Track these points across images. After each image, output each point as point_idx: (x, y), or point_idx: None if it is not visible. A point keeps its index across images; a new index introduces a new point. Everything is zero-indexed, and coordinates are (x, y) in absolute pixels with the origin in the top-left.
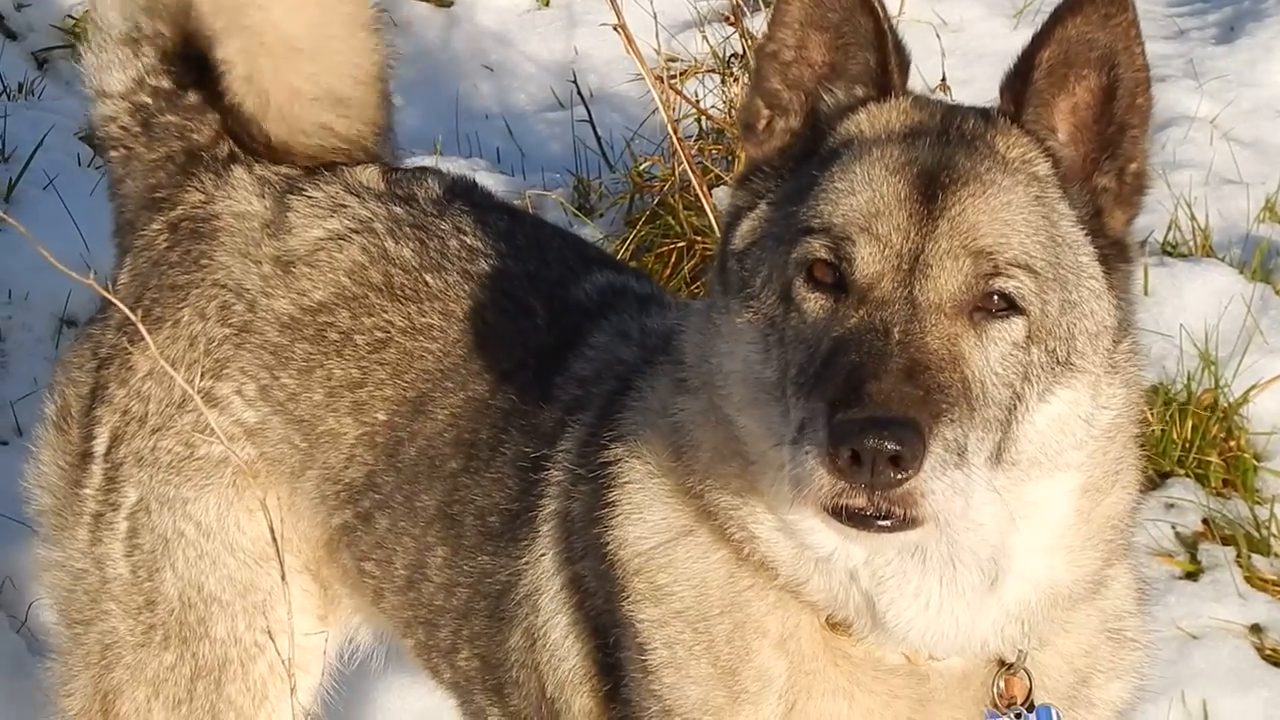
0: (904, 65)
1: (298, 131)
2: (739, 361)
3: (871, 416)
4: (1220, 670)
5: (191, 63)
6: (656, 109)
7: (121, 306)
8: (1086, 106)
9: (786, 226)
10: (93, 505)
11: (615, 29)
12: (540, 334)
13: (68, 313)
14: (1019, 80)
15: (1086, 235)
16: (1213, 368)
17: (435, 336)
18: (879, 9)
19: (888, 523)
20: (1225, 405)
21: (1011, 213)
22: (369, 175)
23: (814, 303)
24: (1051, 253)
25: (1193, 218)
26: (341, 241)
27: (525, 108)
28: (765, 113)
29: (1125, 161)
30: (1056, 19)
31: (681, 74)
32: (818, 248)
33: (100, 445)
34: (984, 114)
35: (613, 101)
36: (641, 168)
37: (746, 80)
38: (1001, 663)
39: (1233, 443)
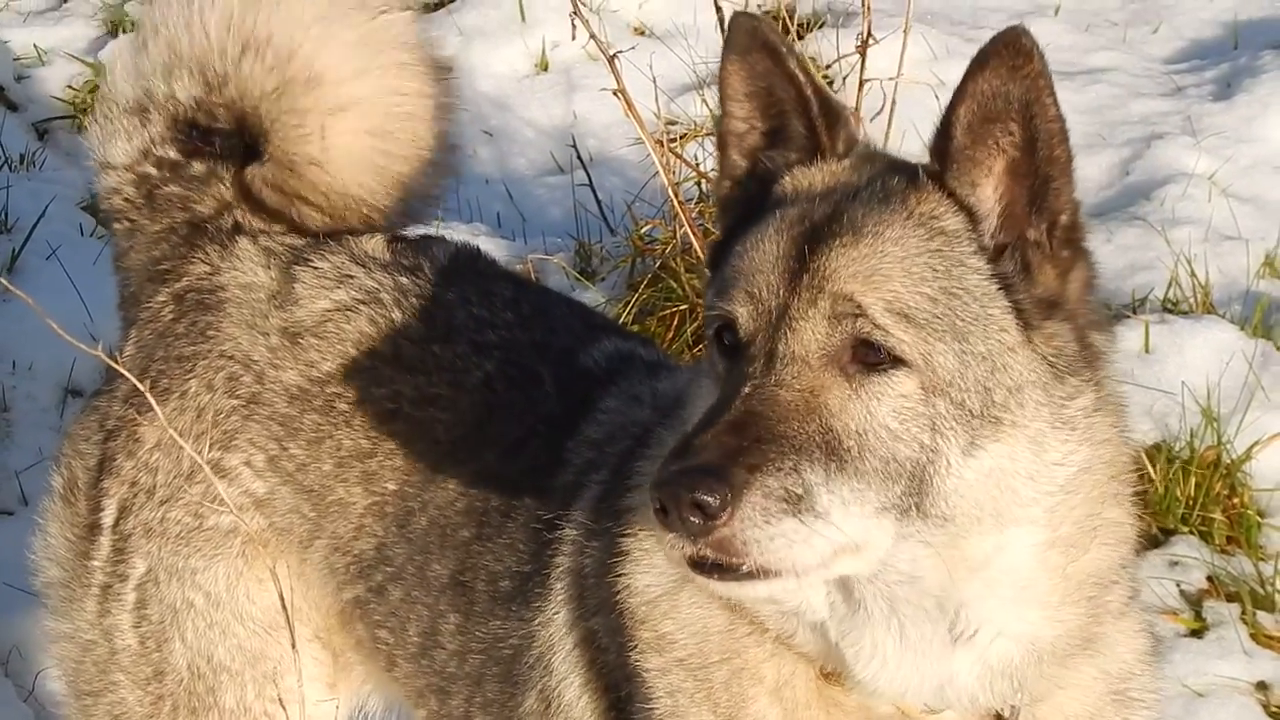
0: (832, 125)
1: (364, 174)
2: (694, 418)
3: (680, 467)
4: None
5: (198, 130)
6: (657, 172)
7: (129, 376)
8: (1010, 160)
9: (714, 294)
10: (100, 577)
11: (615, 93)
12: (550, 402)
13: (72, 382)
14: (941, 138)
15: (999, 289)
16: (1215, 424)
17: (445, 406)
18: (798, 74)
19: (721, 568)
20: (1228, 462)
21: (887, 262)
22: (374, 245)
23: (719, 365)
24: (944, 304)
25: (1193, 274)
26: (349, 313)
27: (525, 172)
28: (727, 184)
29: (1053, 215)
30: (969, 75)
31: (681, 137)
32: (716, 316)
33: (108, 517)
34: (912, 173)
35: (612, 165)
36: (643, 231)
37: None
38: (999, 717)
39: (1236, 499)
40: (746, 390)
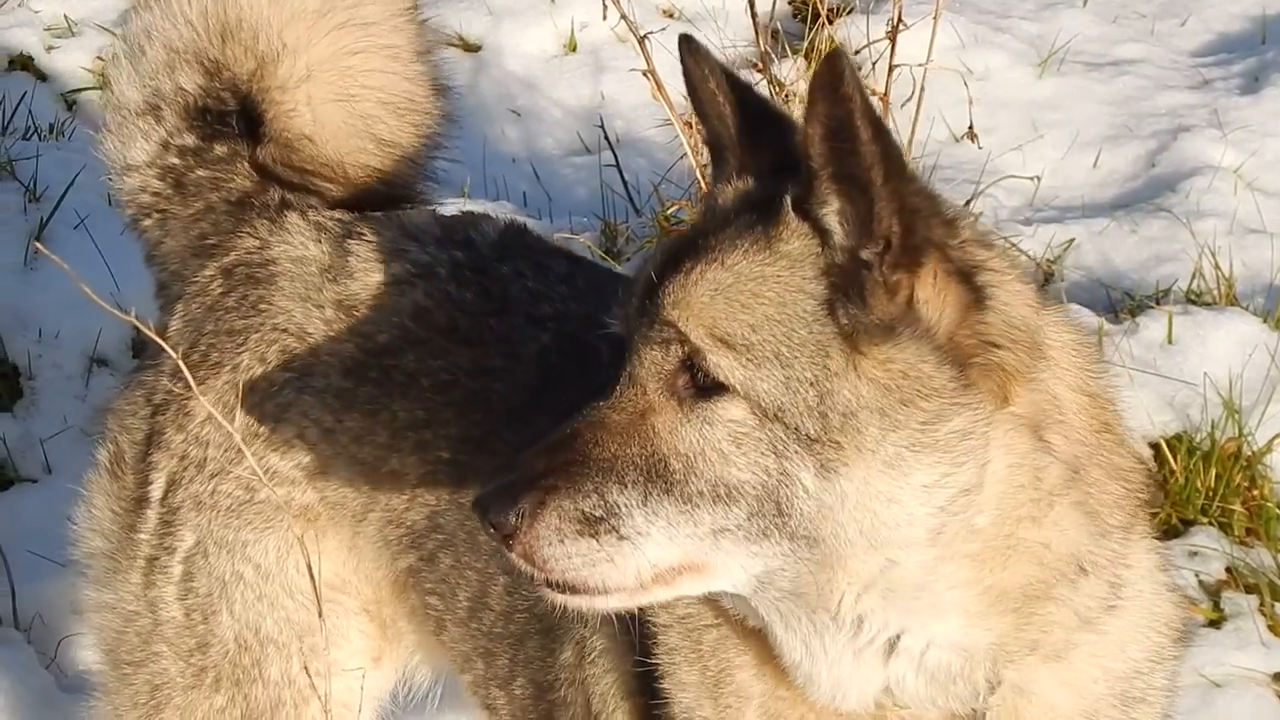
0: (752, 142)
1: (351, 140)
2: None
3: (491, 486)
4: (1243, 718)
5: (212, 114)
6: (684, 154)
7: (166, 347)
8: (845, 181)
9: None
10: (147, 549)
11: (645, 74)
12: (606, 372)
13: (98, 351)
14: (802, 158)
15: (829, 315)
16: (1236, 416)
17: (501, 377)
18: (718, 96)
19: (549, 586)
20: (1249, 454)
21: (712, 288)
22: (424, 220)
23: None
24: (766, 331)
25: (1217, 267)
26: (404, 286)
27: (552, 152)
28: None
29: (882, 237)
30: (808, 96)
31: None
32: (612, 326)
33: (156, 490)
34: (785, 189)
35: (639, 146)
36: (669, 212)
37: None
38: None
39: (1256, 491)
40: (586, 410)
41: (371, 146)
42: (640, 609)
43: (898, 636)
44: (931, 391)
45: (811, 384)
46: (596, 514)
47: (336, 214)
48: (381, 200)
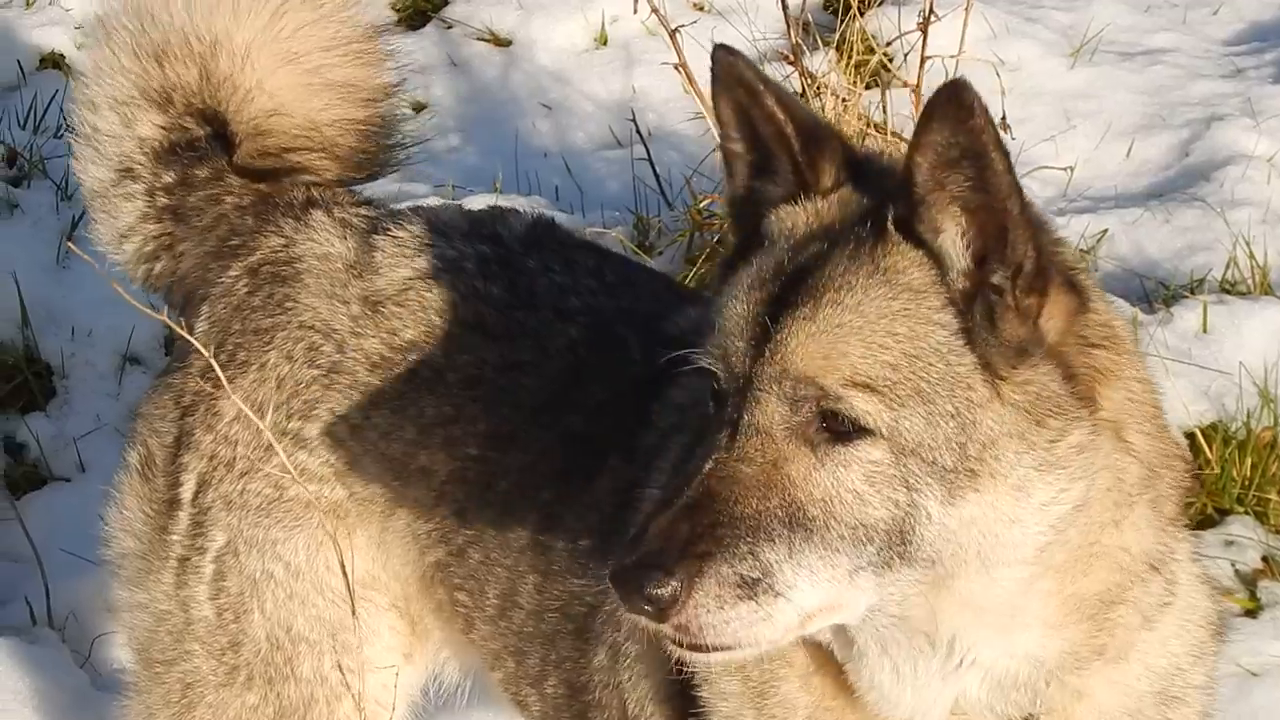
0: (816, 161)
1: (316, 97)
2: None
3: (623, 564)
4: None
5: (180, 147)
6: (715, 147)
7: (197, 344)
8: (969, 207)
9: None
10: (179, 550)
11: (676, 68)
12: (636, 366)
13: (130, 350)
14: (905, 185)
15: (966, 344)
16: (1272, 405)
17: (530, 371)
18: (776, 114)
19: (695, 650)
20: None
21: (845, 333)
22: (451, 214)
23: (710, 407)
24: (906, 369)
25: (1251, 256)
26: (431, 281)
27: (584, 146)
28: (730, 203)
29: (1017, 263)
30: (920, 124)
31: None
32: (704, 361)
33: (187, 492)
34: (882, 212)
35: (671, 140)
36: (701, 205)
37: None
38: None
39: None
40: (708, 467)
41: (334, 96)
42: None
43: (982, 652)
44: (1057, 409)
45: (953, 416)
46: (754, 576)
47: (363, 209)
48: (376, 164)
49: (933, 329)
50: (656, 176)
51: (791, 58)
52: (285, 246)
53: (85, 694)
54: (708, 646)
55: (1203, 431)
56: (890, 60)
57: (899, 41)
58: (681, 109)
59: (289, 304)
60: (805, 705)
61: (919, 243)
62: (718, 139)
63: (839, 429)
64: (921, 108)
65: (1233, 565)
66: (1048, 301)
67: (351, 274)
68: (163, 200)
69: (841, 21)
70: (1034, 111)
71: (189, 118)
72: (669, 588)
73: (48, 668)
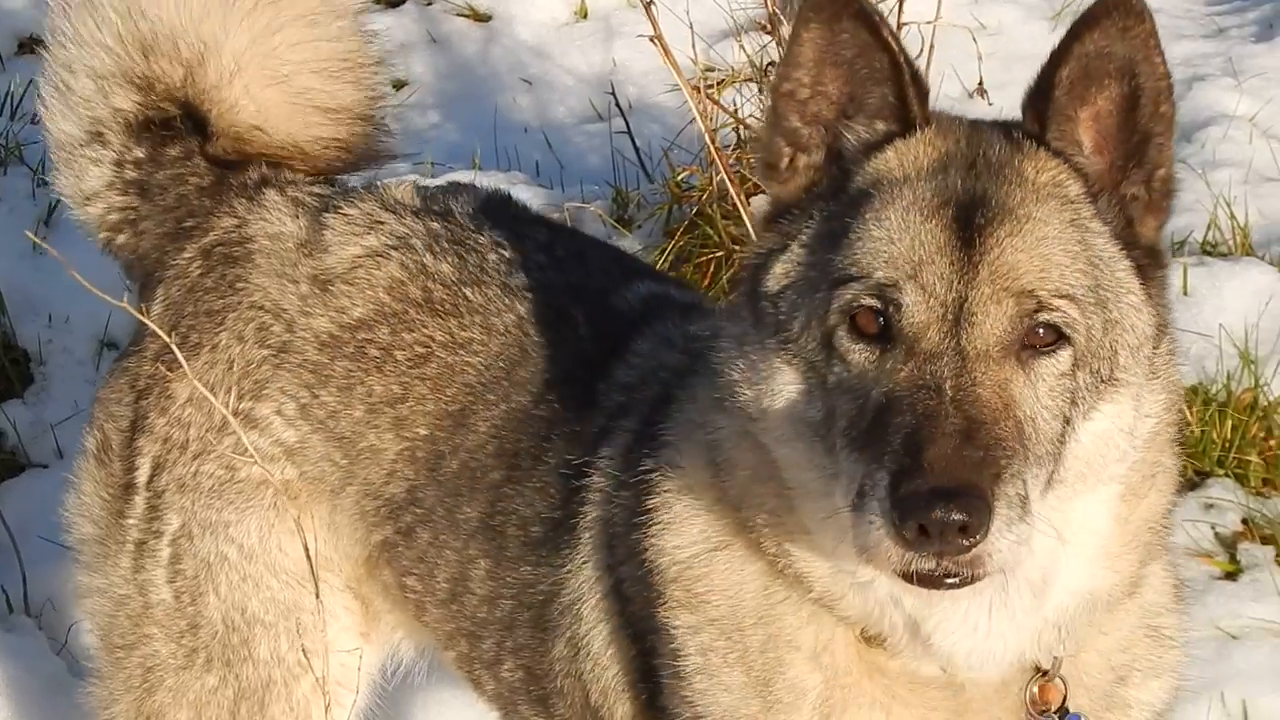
0: (923, 96)
1: (298, 117)
2: (781, 400)
3: (935, 488)
4: (1260, 670)
5: (155, 125)
6: (694, 119)
7: (155, 328)
8: (1109, 116)
9: (823, 273)
10: (135, 534)
11: (651, 40)
12: (583, 343)
13: (108, 335)
14: (1040, 98)
15: (1121, 249)
16: (1252, 367)
17: (477, 350)
18: (893, 44)
19: (956, 579)
20: (1265, 404)
21: (1049, 245)
22: (404, 191)
23: (859, 354)
24: (1090, 276)
25: (1232, 216)
26: (379, 258)
27: (564, 120)
28: (787, 150)
29: (1153, 169)
30: (1074, 35)
31: (719, 84)
32: (862, 297)
33: (142, 475)
34: (1008, 135)
35: (651, 112)
36: (680, 178)
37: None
38: (1038, 669)
39: (1272, 442)
40: (950, 392)
41: (319, 118)
42: (656, 611)
43: (1057, 589)
44: (1164, 315)
45: (1117, 323)
46: (1023, 494)
47: (316, 188)
48: (355, 166)
49: (1097, 237)
50: (636, 150)
51: (770, 28)
52: (238, 227)
53: (62, 681)
54: (983, 575)
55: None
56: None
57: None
58: (662, 81)
59: (240, 284)
60: (816, 686)
61: (1058, 155)
62: (778, 81)
63: (1040, 343)
64: (1078, 18)
65: (1213, 528)
66: (1170, 209)
67: (302, 253)
68: (130, 174)
69: None
70: (1016, 75)
71: (168, 102)
72: (983, 516)
73: (24, 655)
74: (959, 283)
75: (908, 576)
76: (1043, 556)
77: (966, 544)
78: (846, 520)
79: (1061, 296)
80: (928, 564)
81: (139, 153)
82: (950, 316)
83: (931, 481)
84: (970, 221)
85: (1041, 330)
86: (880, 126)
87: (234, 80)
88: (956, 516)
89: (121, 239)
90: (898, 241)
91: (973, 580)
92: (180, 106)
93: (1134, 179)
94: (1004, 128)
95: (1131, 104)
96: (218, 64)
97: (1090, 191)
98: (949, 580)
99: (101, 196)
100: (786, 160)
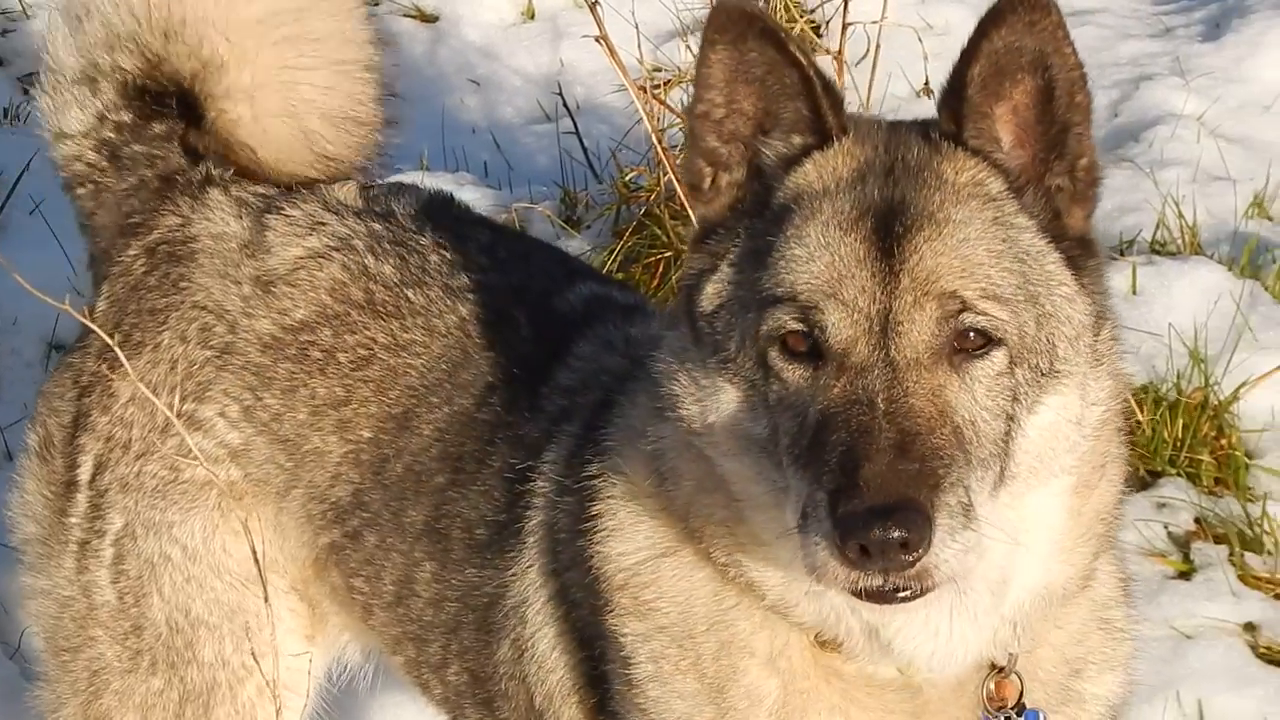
0: (837, 106)
1: (293, 153)
2: (725, 416)
3: (872, 507)
4: (1215, 669)
5: (150, 95)
6: (641, 119)
7: (98, 331)
8: (1025, 110)
9: (751, 292)
10: (78, 533)
11: (596, 40)
12: (525, 345)
13: (56, 337)
14: (954, 98)
15: (1049, 242)
16: (1202, 366)
17: (419, 352)
18: (801, 58)
19: (906, 594)
20: (1216, 403)
21: (970, 247)
22: (346, 192)
23: (793, 372)
24: (1017, 274)
25: (1180, 216)
26: (321, 259)
27: (512, 120)
28: (708, 170)
29: (1074, 158)
30: (981, 33)
31: (666, 84)
32: (786, 319)
33: (84, 473)
34: (925, 136)
35: (599, 113)
36: (628, 178)
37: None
38: (993, 665)
39: (1224, 441)
40: (882, 406)
41: (311, 159)
42: (603, 618)
43: (1015, 586)
44: (1102, 302)
45: (1051, 316)
46: (965, 502)
47: (259, 188)
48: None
49: (1022, 233)
50: (584, 150)
51: None
52: (181, 225)
53: (15, 685)
54: (932, 586)
55: (1133, 394)
56: (816, 28)
57: (822, 9)
58: (610, 81)
59: (183, 284)
60: (773, 691)
61: (976, 154)
62: (693, 104)
63: (971, 346)
64: (984, 15)
65: (1165, 528)
66: (1096, 198)
67: (245, 254)
68: (109, 133)
69: None
70: None
71: (169, 81)
72: (923, 530)
73: None
74: (882, 294)
75: (858, 594)
76: (999, 556)
77: (910, 559)
78: (794, 541)
79: (987, 298)
80: (875, 580)
81: (124, 116)
82: (876, 328)
83: (868, 500)
84: (889, 230)
85: (971, 334)
86: (797, 140)
87: (245, 99)
88: (895, 534)
89: (81, 192)
90: (817, 259)
91: (923, 593)
92: (179, 88)
93: (1057, 170)
94: (922, 128)
95: (1046, 96)
96: (236, 77)
97: (1013, 187)
98: (900, 595)
99: (75, 141)
100: (709, 180)
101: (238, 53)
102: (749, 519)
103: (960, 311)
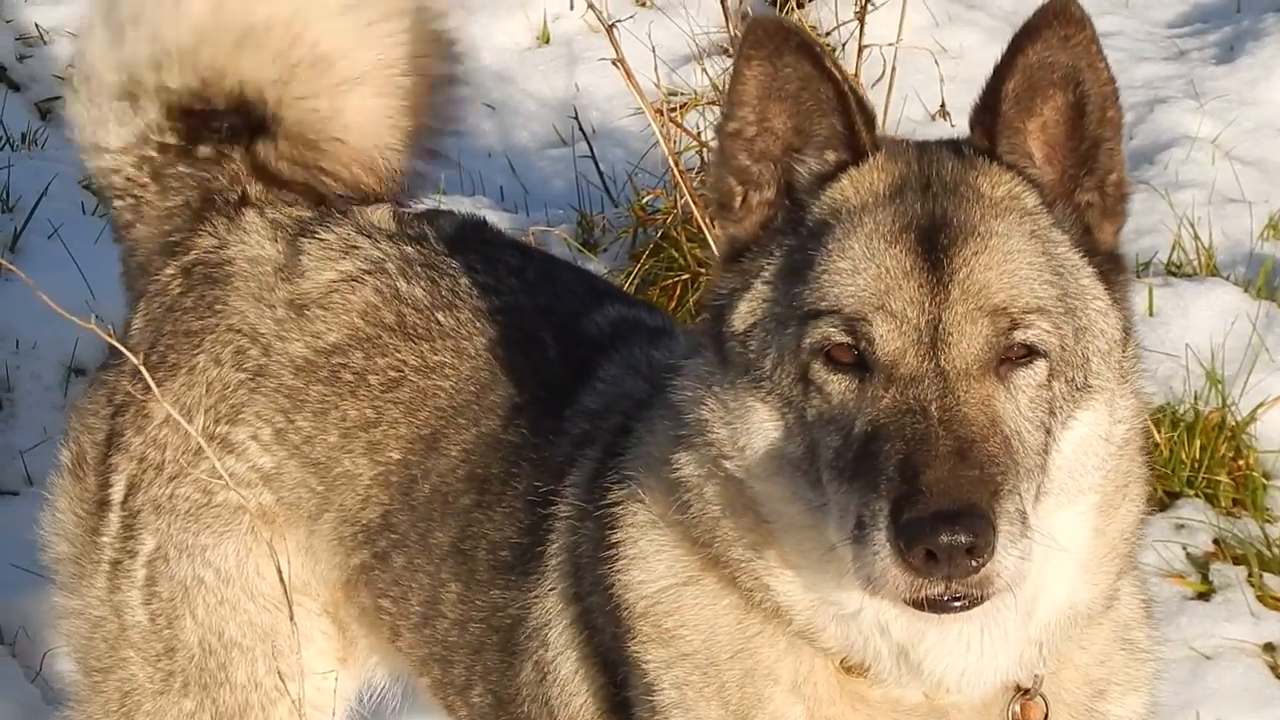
0: (870, 123)
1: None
2: (758, 438)
3: (938, 512)
4: (1234, 690)
5: (196, 116)
6: (657, 142)
7: (128, 353)
8: (1057, 126)
9: (791, 308)
10: (110, 553)
11: (614, 63)
12: (552, 367)
13: (75, 361)
14: (988, 113)
15: (1082, 256)
16: (1219, 387)
17: (448, 374)
18: (837, 73)
19: (963, 601)
20: (1233, 424)
21: (1015, 260)
22: (380, 216)
23: (837, 385)
24: (1057, 286)
25: (1196, 237)
26: (354, 283)
27: (528, 145)
28: (739, 189)
29: (1105, 174)
30: (1016, 48)
31: (681, 107)
32: (832, 332)
33: (117, 493)
34: (958, 152)
35: (615, 136)
36: (644, 201)
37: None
38: (1018, 688)
39: (1241, 461)
40: (936, 414)
41: (399, 141)
42: (626, 645)
43: (1043, 605)
44: (1131, 319)
45: (1088, 329)
46: (1023, 509)
47: (295, 211)
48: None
49: (1058, 247)
50: (600, 174)
51: (732, 51)
52: (218, 247)
53: (36, 709)
54: (991, 594)
55: (1151, 415)
56: (831, 51)
57: (838, 31)
58: (625, 105)
59: (219, 306)
60: (799, 718)
61: (1010, 169)
62: (724, 121)
63: (1017, 357)
64: (1019, 30)
65: (1184, 549)
66: (1125, 213)
67: (279, 277)
68: (152, 152)
69: (782, 13)
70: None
71: (223, 99)
72: (988, 536)
73: None
74: (931, 304)
75: (917, 604)
76: (1034, 573)
77: (974, 565)
78: (846, 553)
79: (1032, 311)
80: (936, 588)
81: (169, 138)
82: (926, 339)
83: (933, 505)
84: (934, 243)
85: (1012, 347)
86: (831, 156)
87: (350, 90)
88: (963, 538)
89: (119, 204)
90: (863, 271)
91: (981, 600)
92: (233, 105)
93: (1087, 186)
94: (953, 146)
95: (1078, 112)
96: (334, 73)
97: (1045, 202)
98: (956, 603)
99: (114, 156)
100: (740, 199)
101: (340, 45)
102: (781, 540)
103: (1011, 328)
